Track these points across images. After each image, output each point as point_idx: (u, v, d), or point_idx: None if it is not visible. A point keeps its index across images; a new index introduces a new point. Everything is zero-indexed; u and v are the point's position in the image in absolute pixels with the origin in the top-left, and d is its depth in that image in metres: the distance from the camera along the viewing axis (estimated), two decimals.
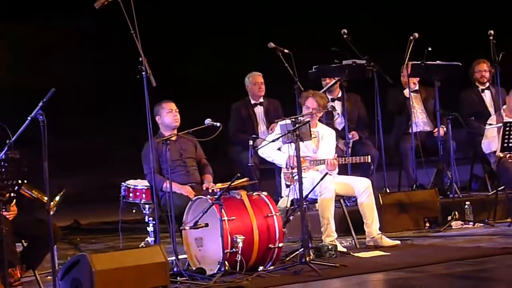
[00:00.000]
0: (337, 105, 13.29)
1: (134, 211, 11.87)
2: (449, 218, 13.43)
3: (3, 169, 9.00)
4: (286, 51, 12.46)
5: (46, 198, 9.36)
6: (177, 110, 11.70)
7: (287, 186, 11.46)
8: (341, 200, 11.95)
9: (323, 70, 13.59)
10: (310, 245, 10.86)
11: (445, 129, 14.38)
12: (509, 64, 14.21)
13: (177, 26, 20.63)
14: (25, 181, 9.26)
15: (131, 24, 10.20)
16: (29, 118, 9.27)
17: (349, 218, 11.91)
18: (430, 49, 14.05)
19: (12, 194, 9.05)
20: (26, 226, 9.56)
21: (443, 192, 14.16)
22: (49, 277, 9.71)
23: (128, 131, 12.44)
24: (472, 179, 14.65)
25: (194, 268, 10.64)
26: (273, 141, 11.72)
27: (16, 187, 9.08)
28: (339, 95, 13.57)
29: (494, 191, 14.04)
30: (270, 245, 10.55)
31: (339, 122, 13.12)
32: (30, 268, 9.72)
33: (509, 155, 12.90)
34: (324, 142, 11.86)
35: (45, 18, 23.54)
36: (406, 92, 14.42)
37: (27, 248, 9.73)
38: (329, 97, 12.67)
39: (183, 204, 10.98)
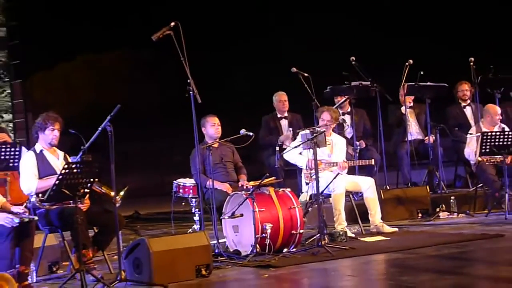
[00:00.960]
0: (347, 118, 13.51)
1: (183, 203, 11.97)
2: (438, 209, 13.62)
3: (78, 170, 9.05)
4: (306, 74, 12.40)
5: (113, 193, 9.48)
6: (219, 123, 11.82)
7: (307, 183, 11.61)
8: (350, 195, 12.12)
9: (336, 90, 13.87)
10: (325, 231, 10.98)
11: (434, 137, 14.32)
12: (485, 85, 14.14)
13: (217, 55, 20.45)
14: (96, 179, 9.33)
15: (180, 52, 10.29)
16: (99, 128, 9.43)
17: (357, 210, 12.10)
18: (422, 73, 14.19)
19: (85, 190, 9.14)
20: (97, 216, 9.66)
21: (433, 189, 14.37)
22: (115, 257, 9.78)
23: (179, 139, 12.51)
24: (456, 178, 14.84)
25: (231, 250, 10.80)
26: (295, 147, 11.73)
27: (89, 184, 9.19)
28: (348, 110, 13.71)
29: (474, 188, 14.26)
30: (293, 231, 10.66)
31: (349, 132, 13.32)
32: (100, 250, 9.83)
33: (486, 159, 12.77)
34: (336, 148, 11.98)
35: (120, 50, 23.62)
36: (403, 108, 14.60)
37: (98, 233, 9.83)
38: (340, 111, 12.71)
39: (222, 198, 11.12)
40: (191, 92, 10.32)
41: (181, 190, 11.79)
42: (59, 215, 9.26)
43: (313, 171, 11.01)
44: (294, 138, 12.62)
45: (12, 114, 18.28)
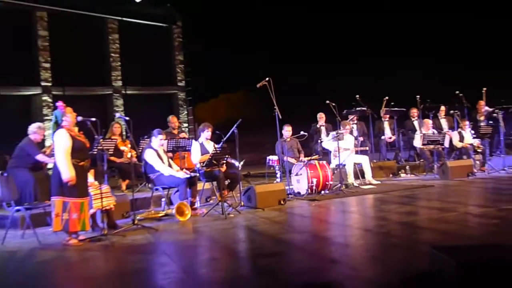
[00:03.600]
0: (354, 126, 12.99)
1: (271, 168, 11.82)
2: (400, 172, 13.68)
3: (219, 150, 9.14)
4: (333, 104, 11.89)
5: (237, 163, 9.74)
6: (290, 129, 11.59)
7: (334, 158, 11.52)
8: (355, 165, 11.88)
9: (349, 112, 13.63)
10: (342, 183, 11.18)
11: (397, 136, 14.18)
12: (424, 110, 14.22)
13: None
14: (228, 156, 9.50)
15: (271, 92, 10.22)
16: (231, 130, 9.45)
17: (359, 172, 12.06)
18: (392, 103, 14.06)
19: (223, 161, 9.29)
20: (229, 174, 9.68)
21: (398, 162, 14.25)
22: (238, 195, 9.93)
23: (268, 136, 12.27)
24: (410, 157, 14.26)
25: (295, 192, 10.85)
26: (329, 140, 11.71)
27: (226, 157, 9.38)
28: (355, 122, 13.20)
29: (419, 161, 14.04)
30: (326, 182, 10.76)
31: (355, 134, 12.88)
32: (231, 191, 9.99)
33: (425, 147, 12.92)
34: (348, 141, 11.78)
35: (242, 91, 23.62)
36: (383, 122, 14.29)
37: (229, 183, 9.78)
38: (351, 123, 12.51)
39: (292, 166, 11.16)
40: (276, 113, 10.31)
41: (271, 162, 11.53)
42: (209, 174, 9.33)
43: (337, 152, 11.31)
44: (327, 135, 12.64)
45: (187, 123, 18.52)
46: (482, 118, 14.07)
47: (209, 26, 21.39)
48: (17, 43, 16.13)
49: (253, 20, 22.80)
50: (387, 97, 14.16)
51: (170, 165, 9.32)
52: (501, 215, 7.47)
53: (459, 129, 13.45)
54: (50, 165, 8.68)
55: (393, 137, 14.29)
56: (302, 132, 11.88)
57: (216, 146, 9.59)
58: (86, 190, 7.24)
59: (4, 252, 6.98)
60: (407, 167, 13.59)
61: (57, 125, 8.02)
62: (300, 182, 10.80)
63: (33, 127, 8.86)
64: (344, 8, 23.03)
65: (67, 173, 6.84)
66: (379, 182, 11.84)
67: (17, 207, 7.56)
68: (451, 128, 13.82)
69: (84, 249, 6.90)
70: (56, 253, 6.78)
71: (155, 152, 9.13)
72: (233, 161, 9.86)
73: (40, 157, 8.70)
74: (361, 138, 13.23)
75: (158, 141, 9.23)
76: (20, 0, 15.57)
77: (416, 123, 13.90)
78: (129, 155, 10.20)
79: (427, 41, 22.42)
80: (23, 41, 16.28)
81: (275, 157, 11.50)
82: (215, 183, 9.60)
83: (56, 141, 7.02)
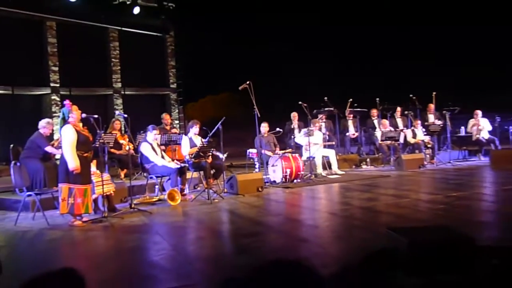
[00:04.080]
0: (323, 124, 12.89)
1: (251, 160, 11.72)
2: (362, 164, 13.57)
3: (206, 144, 9.12)
4: (305, 104, 11.90)
5: (221, 155, 9.69)
6: (268, 126, 11.54)
7: (305, 152, 11.50)
8: (323, 157, 11.76)
9: (318, 112, 13.46)
10: (312, 173, 11.15)
11: (359, 133, 14.21)
12: (381, 110, 14.33)
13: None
14: (214, 149, 9.41)
15: (252, 94, 10.25)
16: (216, 127, 9.42)
17: (326, 164, 11.94)
18: (356, 104, 14.14)
19: (209, 154, 9.24)
20: (214, 165, 9.57)
21: (360, 155, 14.06)
22: (222, 182, 9.84)
23: (249, 132, 12.20)
24: (370, 151, 14.25)
25: (271, 180, 10.76)
26: (301, 136, 11.72)
27: (211, 150, 9.31)
28: (324, 120, 13.03)
29: (378, 155, 13.84)
30: (298, 172, 10.71)
31: (323, 130, 12.81)
32: (216, 179, 9.85)
33: (383, 142, 12.98)
34: (317, 137, 11.69)
35: (227, 92, 23.35)
36: (347, 121, 14.21)
37: (215, 172, 9.69)
38: (320, 121, 12.49)
39: (268, 158, 11.08)
40: (255, 111, 10.38)
41: (251, 155, 11.43)
42: (196, 164, 9.28)
43: (307, 146, 11.29)
44: (299, 131, 12.57)
45: (178, 120, 18.37)
46: (431, 118, 14.20)
47: (198, 36, 21.34)
48: (30, 49, 16.00)
49: (237, 30, 22.82)
50: (351, 99, 14.21)
51: (163, 157, 9.26)
52: (447, 201, 7.58)
53: (412, 127, 13.51)
54: (57, 156, 8.57)
55: (356, 134, 14.29)
56: (277, 129, 11.90)
57: (203, 140, 9.56)
58: (89, 178, 7.23)
59: (17, 231, 6.94)
60: (368, 160, 13.61)
61: (64, 121, 7.97)
62: (275, 172, 10.75)
63: (42, 122, 8.78)
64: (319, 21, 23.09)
65: (73, 163, 6.87)
66: (343, 173, 11.80)
67: (29, 193, 7.56)
68: (406, 126, 13.85)
69: (87, 229, 6.91)
70: (63, 232, 6.78)
71: (150, 145, 9.10)
72: (217, 153, 9.77)
73: (48, 148, 8.64)
74: (328, 134, 12.99)
75: (152, 135, 9.19)
76: (33, 12, 15.41)
77: (376, 122, 13.87)
78: (127, 148, 10.06)
79: (385, 49, 22.45)
80: (35, 47, 16.15)
81: (254, 150, 11.48)
82: (202, 172, 9.55)
83: (63, 135, 7.05)
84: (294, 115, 12.91)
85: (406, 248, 3.49)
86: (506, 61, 19.92)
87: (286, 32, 23.31)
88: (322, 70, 22.33)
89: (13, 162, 7.86)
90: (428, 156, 13.14)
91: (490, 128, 13.53)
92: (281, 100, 14.02)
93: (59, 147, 8.32)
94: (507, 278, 2.43)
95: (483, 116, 13.74)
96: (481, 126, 13.49)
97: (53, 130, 9.80)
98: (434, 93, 14.11)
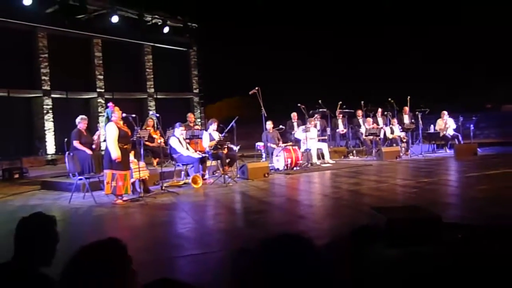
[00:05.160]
0: (318, 122, 12.82)
1: (258, 151, 11.70)
2: (349, 155, 13.42)
3: (223, 137, 9.18)
4: (303, 106, 11.72)
5: (235, 147, 9.69)
6: (272, 124, 11.29)
7: (303, 145, 11.32)
8: (318, 149, 11.55)
9: (314, 112, 13.04)
10: (308, 162, 11.04)
11: (347, 129, 14.07)
12: (367, 111, 14.21)
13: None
14: (229, 142, 9.43)
15: (260, 98, 10.23)
16: (230, 125, 9.44)
17: (320, 154, 11.64)
18: (345, 106, 14.07)
19: (225, 146, 9.27)
20: (229, 155, 9.49)
21: (347, 147, 13.72)
22: (235, 169, 9.78)
23: (258, 128, 12.10)
24: (356, 144, 14.07)
25: (275, 168, 10.59)
26: (299, 132, 11.61)
27: (227, 143, 9.35)
28: (319, 119, 12.98)
29: (362, 148, 13.44)
30: (297, 162, 10.65)
31: (318, 127, 12.71)
32: (230, 166, 9.68)
33: (367, 138, 12.91)
34: (313, 132, 11.55)
35: (239, 96, 23.21)
36: (338, 119, 14.01)
37: (230, 161, 9.51)
38: (315, 120, 12.47)
39: (273, 149, 10.94)
40: (262, 112, 10.38)
41: (258, 147, 11.43)
42: (215, 155, 9.23)
43: (305, 140, 11.23)
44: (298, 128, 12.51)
45: (200, 119, 18.36)
46: (406, 118, 14.11)
47: (216, 50, 21.39)
48: (81, 62, 16.12)
49: (247, 44, 22.80)
50: (340, 102, 14.11)
51: (187, 148, 9.24)
52: (418, 186, 7.58)
53: (391, 125, 13.40)
54: (103, 147, 8.56)
55: (345, 130, 14.13)
56: (280, 126, 11.91)
57: (220, 135, 9.54)
58: (128, 165, 7.25)
59: (71, 208, 7.01)
60: (354, 151, 13.46)
61: (108, 120, 7.93)
62: (279, 161, 10.67)
63: (78, 119, 8.62)
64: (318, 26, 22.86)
65: (115, 153, 6.91)
66: (334, 162, 11.70)
67: (80, 177, 7.62)
68: (385, 124, 13.70)
69: (127, 206, 6.95)
70: (107, 209, 6.83)
71: (177, 139, 9.08)
72: (232, 146, 9.73)
73: (75, 143, 8.31)
74: (322, 131, 12.84)
75: (179, 131, 9.19)
76: (83, 31, 15.55)
77: (361, 120, 13.66)
78: (159, 141, 10.16)
79: (368, 60, 22.23)
80: (85, 60, 16.29)
81: (261, 143, 11.44)
82: (219, 161, 9.50)
83: (107, 131, 7.09)
84: (294, 115, 12.77)
85: (385, 224, 3.52)
86: (473, 63, 19.74)
87: (288, 45, 23.35)
88: (318, 76, 22.31)
89: (67, 152, 7.97)
90: (403, 149, 12.99)
91: (454, 126, 13.44)
92: (284, 102, 13.91)
93: (92, 142, 8.44)
94: (469, 249, 2.44)
95: (449, 116, 13.64)
96: (448, 124, 13.44)
97: (96, 126, 9.81)
98: (408, 97, 14.07)
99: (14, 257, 1.92)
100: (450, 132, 13.48)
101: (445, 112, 13.61)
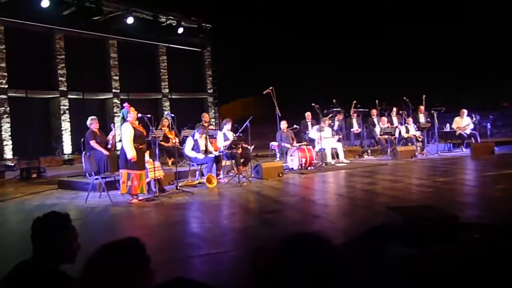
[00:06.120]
0: (337, 123, 12.76)
1: (273, 151, 11.65)
2: (364, 154, 13.12)
3: (237, 137, 9.21)
4: (317, 106, 11.83)
5: (249, 147, 9.68)
6: (286, 123, 11.27)
7: (317, 144, 11.25)
8: (332, 149, 11.43)
9: (328, 112, 13.12)
10: (323, 161, 11.01)
11: (362, 129, 13.95)
12: (381, 110, 14.10)
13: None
14: (243, 142, 9.44)
15: (274, 98, 10.17)
16: (245, 124, 9.41)
17: (334, 154, 11.56)
18: (359, 105, 13.94)
19: (239, 145, 9.27)
20: (244, 154, 9.51)
21: (362, 147, 13.55)
22: (249, 169, 9.78)
23: (272, 127, 11.98)
24: (371, 143, 13.97)
25: (289, 167, 10.57)
26: (314, 132, 11.57)
27: (241, 143, 9.35)
28: (338, 120, 12.91)
29: (377, 147, 13.25)
30: (312, 161, 10.59)
31: (336, 127, 12.66)
32: (245, 166, 9.67)
33: (382, 136, 12.83)
34: (327, 132, 11.50)
35: (252, 96, 23.19)
36: (352, 119, 13.87)
37: (244, 160, 9.50)
38: (336, 121, 12.37)
39: (287, 149, 10.94)
40: (277, 111, 10.37)
41: (272, 146, 11.47)
42: (231, 154, 9.25)
43: (319, 140, 11.18)
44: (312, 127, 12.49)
45: (214, 119, 18.42)
46: (422, 117, 13.97)
47: (229, 50, 21.44)
48: (97, 63, 16.33)
49: (260, 44, 22.91)
50: (355, 101, 13.97)
51: (206, 148, 9.19)
52: (434, 185, 7.48)
53: (406, 124, 13.26)
54: (118, 147, 8.60)
55: (359, 130, 14.01)
56: (295, 126, 11.87)
57: (235, 135, 9.56)
58: (143, 165, 7.29)
59: (87, 207, 7.05)
60: (369, 151, 13.33)
61: (124, 120, 7.99)
62: (293, 161, 10.65)
63: (89, 120, 8.67)
64: (330, 34, 22.84)
65: (131, 153, 6.97)
66: (348, 161, 11.62)
67: (96, 177, 7.66)
68: (400, 123, 13.56)
69: (142, 206, 6.98)
70: (123, 208, 6.87)
71: (194, 141, 9.06)
72: (246, 145, 9.70)
73: (92, 143, 8.42)
74: (337, 131, 12.53)
75: (198, 135, 9.12)
76: (98, 32, 15.74)
77: (375, 119, 13.58)
78: (174, 141, 10.20)
79: (383, 58, 22.10)
80: (100, 61, 16.48)
81: (275, 143, 11.44)
82: (233, 160, 9.50)
83: (123, 131, 7.15)
84: (308, 115, 12.75)
85: (401, 223, 3.49)
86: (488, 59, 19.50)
87: (301, 44, 23.31)
88: (331, 76, 22.19)
89: (83, 152, 8.02)
90: (419, 148, 12.88)
91: (472, 126, 13.31)
92: (298, 102, 13.85)
93: (107, 142, 8.50)
94: (485, 249, 2.41)
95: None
96: (467, 123, 13.31)
97: (112, 126, 9.86)
98: (424, 96, 13.92)
99: (33, 255, 1.96)
100: (468, 131, 13.32)
101: (465, 111, 13.42)
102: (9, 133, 13.88)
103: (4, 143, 13.75)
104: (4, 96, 13.89)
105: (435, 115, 13.38)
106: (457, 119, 13.55)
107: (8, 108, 13.93)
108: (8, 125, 13.90)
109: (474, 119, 13.27)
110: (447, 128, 13.83)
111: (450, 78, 20.35)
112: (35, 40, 14.77)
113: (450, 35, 20.92)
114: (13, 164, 12.39)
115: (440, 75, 20.45)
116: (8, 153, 13.76)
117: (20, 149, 13.75)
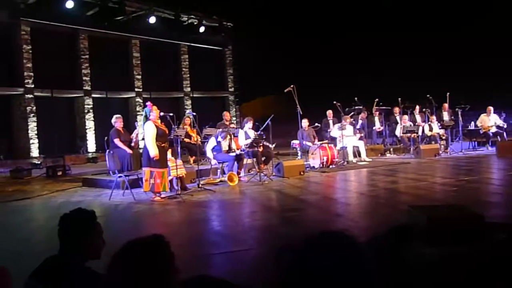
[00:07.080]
0: (360, 121, 12.76)
1: (294, 149, 11.63)
2: (386, 153, 13.12)
3: (259, 135, 9.13)
4: (339, 104, 11.78)
5: (270, 145, 9.70)
6: (308, 121, 11.20)
7: (338, 142, 11.23)
8: (354, 147, 11.44)
9: (350, 110, 12.91)
10: (344, 160, 10.98)
11: (384, 127, 13.88)
12: (404, 108, 13.90)
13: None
14: (264, 139, 9.41)
15: (295, 95, 10.11)
16: (266, 122, 9.41)
17: (356, 152, 11.55)
18: (381, 103, 13.82)
19: (261, 144, 9.23)
20: (265, 153, 9.45)
21: (384, 145, 13.61)
22: (271, 167, 9.83)
23: (293, 126, 11.97)
24: (393, 142, 13.87)
25: (311, 165, 10.58)
26: (335, 130, 11.55)
27: (262, 141, 9.33)
28: (362, 119, 12.82)
29: (399, 145, 13.33)
30: (333, 160, 10.59)
31: (359, 126, 12.65)
32: (266, 164, 9.68)
33: (404, 135, 12.66)
34: (349, 130, 11.42)
35: (273, 95, 23.23)
36: (374, 117, 13.85)
37: (265, 158, 9.48)
38: (352, 119, 12.28)
39: (309, 147, 10.90)
40: (298, 110, 10.36)
41: (294, 144, 11.42)
42: (253, 152, 9.23)
43: (341, 138, 11.12)
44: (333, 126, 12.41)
45: (235, 117, 18.57)
46: (446, 115, 13.78)
47: (250, 49, 21.42)
48: (119, 62, 16.57)
49: (281, 44, 22.86)
50: (377, 99, 13.92)
51: (230, 146, 9.26)
52: (459, 184, 7.40)
53: (429, 122, 13.12)
54: (141, 145, 8.67)
55: (381, 128, 13.99)
56: (316, 124, 11.79)
57: (256, 133, 9.55)
58: (166, 163, 7.36)
59: (111, 205, 7.14)
60: (391, 149, 13.27)
61: (146, 119, 8.08)
62: (314, 159, 10.63)
63: (113, 118, 8.74)
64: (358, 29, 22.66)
65: (153, 151, 7.04)
66: (371, 160, 11.55)
67: (119, 174, 7.79)
68: (423, 121, 13.44)
69: (164, 203, 7.02)
70: (146, 206, 6.93)
71: (217, 142, 9.15)
72: (267, 143, 9.69)
73: (116, 141, 8.43)
74: (359, 129, 12.59)
75: (221, 139, 9.17)
76: (121, 32, 15.96)
77: (398, 117, 13.47)
78: (195, 139, 10.30)
79: (406, 55, 21.83)
80: (123, 61, 16.73)
81: (297, 141, 11.42)
82: (255, 159, 9.46)
83: (146, 130, 7.22)
84: (329, 113, 12.71)
85: (424, 223, 3.44)
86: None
87: (323, 42, 23.16)
88: (353, 76, 22.00)
89: (107, 150, 8.13)
90: (442, 146, 12.70)
91: (502, 122, 13.09)
92: (319, 100, 13.79)
93: (131, 140, 8.55)
94: None
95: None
96: (494, 121, 13.09)
97: (136, 124, 10.04)
98: (448, 93, 13.71)
99: (60, 251, 2.00)
100: (493, 129, 13.07)
101: (491, 108, 13.18)
102: (35, 132, 14.20)
103: (31, 141, 14.09)
104: (31, 96, 14.23)
105: (459, 113, 13.18)
106: (483, 116, 13.32)
107: (34, 108, 14.25)
108: (35, 124, 14.23)
109: (503, 116, 13.05)
110: (472, 126, 13.59)
111: (475, 78, 20.01)
112: (60, 40, 15.05)
113: (476, 33, 20.57)
114: (39, 162, 12.64)
115: (465, 75, 20.14)
116: (35, 152, 14.09)
117: (46, 147, 14.02)
